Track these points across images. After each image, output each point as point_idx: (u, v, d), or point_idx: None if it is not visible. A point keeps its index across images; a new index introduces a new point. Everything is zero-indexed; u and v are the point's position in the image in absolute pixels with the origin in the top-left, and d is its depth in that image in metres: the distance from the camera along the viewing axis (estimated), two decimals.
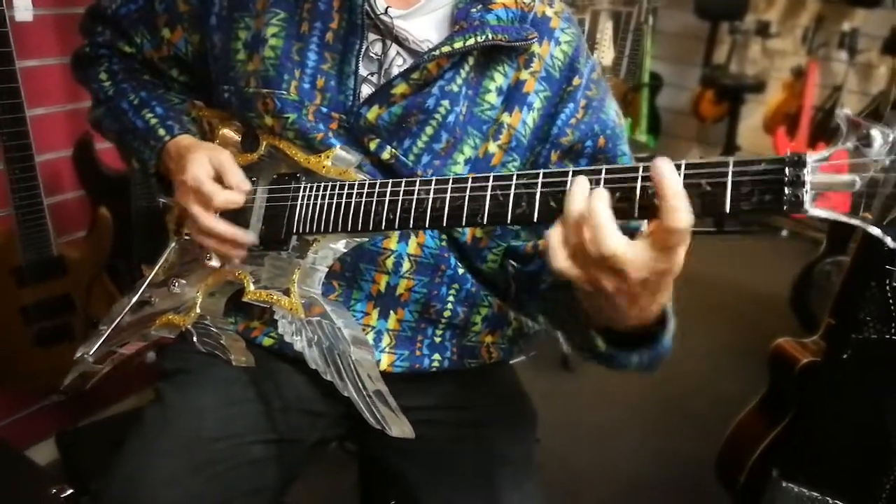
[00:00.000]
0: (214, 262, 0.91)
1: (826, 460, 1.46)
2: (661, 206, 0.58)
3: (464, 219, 0.71)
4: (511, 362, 1.10)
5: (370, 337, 0.93)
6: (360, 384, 0.78)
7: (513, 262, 0.95)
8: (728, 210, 0.59)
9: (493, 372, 1.04)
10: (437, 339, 0.96)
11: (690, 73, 4.02)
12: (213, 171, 0.86)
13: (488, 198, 0.70)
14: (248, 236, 0.86)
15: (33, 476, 1.31)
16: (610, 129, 0.92)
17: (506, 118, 0.88)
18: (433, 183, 0.74)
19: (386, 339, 0.94)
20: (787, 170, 0.57)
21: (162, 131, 0.93)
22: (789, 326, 2.59)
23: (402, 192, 0.75)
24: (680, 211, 0.57)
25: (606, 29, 3.03)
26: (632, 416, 2.28)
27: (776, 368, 1.59)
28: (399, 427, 0.78)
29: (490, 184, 0.70)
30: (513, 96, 0.88)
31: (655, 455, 2.11)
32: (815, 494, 1.46)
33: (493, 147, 0.89)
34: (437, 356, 0.96)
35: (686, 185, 0.58)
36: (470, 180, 0.71)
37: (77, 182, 1.70)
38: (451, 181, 0.73)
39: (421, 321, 0.94)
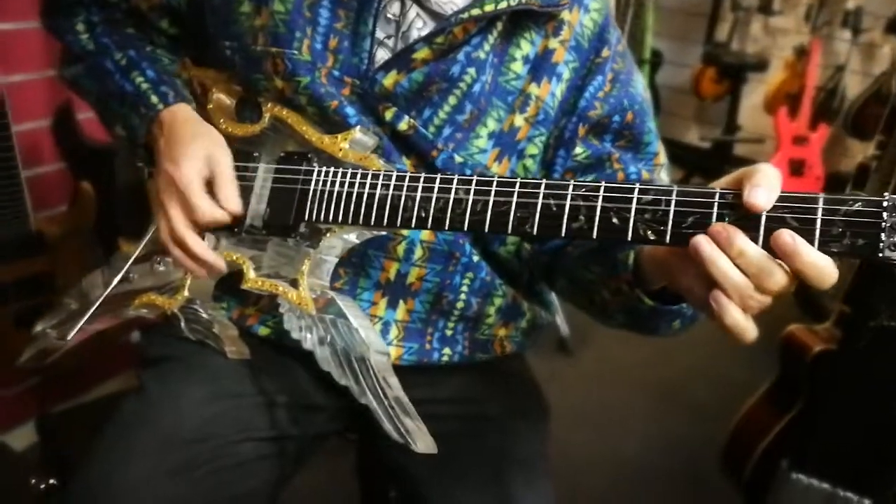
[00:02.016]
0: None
1: (837, 451, 1.42)
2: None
3: (509, 226, 0.65)
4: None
5: (377, 328, 0.86)
6: (380, 392, 0.72)
7: (527, 245, 0.89)
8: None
9: (504, 364, 0.97)
10: (448, 332, 0.89)
11: (691, 50, 3.93)
12: (207, 174, 0.78)
13: (539, 206, 0.63)
14: (221, 263, 0.78)
15: (12, 465, 1.23)
16: (638, 105, 0.86)
17: (533, 89, 0.81)
18: (474, 182, 0.67)
19: (394, 331, 0.87)
20: (884, 214, 0.52)
21: (154, 98, 0.84)
22: (790, 311, 2.55)
23: (436, 189, 0.68)
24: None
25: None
26: (632, 402, 2.24)
27: (787, 356, 1.54)
28: (424, 441, 0.72)
29: (542, 191, 0.64)
30: (540, 66, 0.81)
31: (656, 441, 2.07)
32: (826, 486, 1.42)
33: (519, 120, 0.82)
34: (447, 350, 0.90)
35: (769, 217, 0.54)
36: (518, 184, 0.65)
37: (57, 153, 1.60)
38: (495, 182, 0.66)
39: (432, 312, 0.88)
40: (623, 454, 2.00)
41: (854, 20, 3.43)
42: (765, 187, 0.54)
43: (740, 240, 0.55)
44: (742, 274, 0.55)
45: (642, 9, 3.44)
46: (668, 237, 0.59)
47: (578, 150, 0.85)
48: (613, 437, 2.07)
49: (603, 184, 0.62)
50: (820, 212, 0.53)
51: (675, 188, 0.59)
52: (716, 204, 0.57)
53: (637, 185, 0.60)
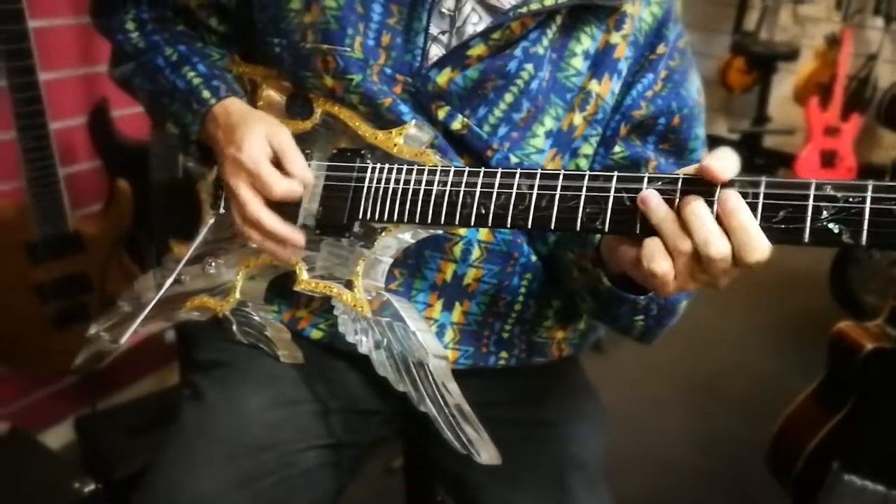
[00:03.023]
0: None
1: (892, 452, 1.38)
2: None
3: (578, 223, 0.62)
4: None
5: (433, 331, 0.83)
6: (440, 399, 0.69)
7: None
8: None
9: (561, 367, 0.94)
10: (506, 335, 0.87)
11: (718, 40, 3.88)
12: (271, 153, 0.76)
13: (611, 200, 0.60)
14: (300, 237, 0.76)
15: (53, 468, 1.23)
16: (688, 109, 0.82)
17: (594, 86, 0.78)
18: (538, 176, 0.63)
19: (449, 334, 0.84)
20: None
21: (207, 93, 0.81)
22: (826, 305, 2.51)
23: (496, 185, 0.65)
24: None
25: None
26: (667, 399, 2.21)
27: (836, 354, 1.50)
28: (487, 452, 0.69)
29: (613, 185, 0.60)
30: (602, 62, 0.78)
31: (694, 438, 2.04)
32: (880, 488, 1.39)
33: (577, 118, 0.79)
34: (504, 353, 0.87)
35: (873, 210, 0.52)
36: (587, 178, 0.62)
37: (92, 152, 1.59)
38: (561, 176, 0.63)
39: (488, 314, 0.85)
40: (661, 452, 1.97)
41: (886, 7, 3.36)
42: (719, 158, 0.56)
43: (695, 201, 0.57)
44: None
45: None
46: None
47: (617, 149, 0.82)
48: (651, 435, 2.04)
49: (681, 175, 0.59)
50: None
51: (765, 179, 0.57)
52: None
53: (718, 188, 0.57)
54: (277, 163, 0.76)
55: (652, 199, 0.58)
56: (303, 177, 0.75)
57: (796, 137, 3.65)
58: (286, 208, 0.76)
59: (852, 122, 3.36)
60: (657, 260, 0.58)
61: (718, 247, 0.56)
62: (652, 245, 0.58)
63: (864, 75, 3.48)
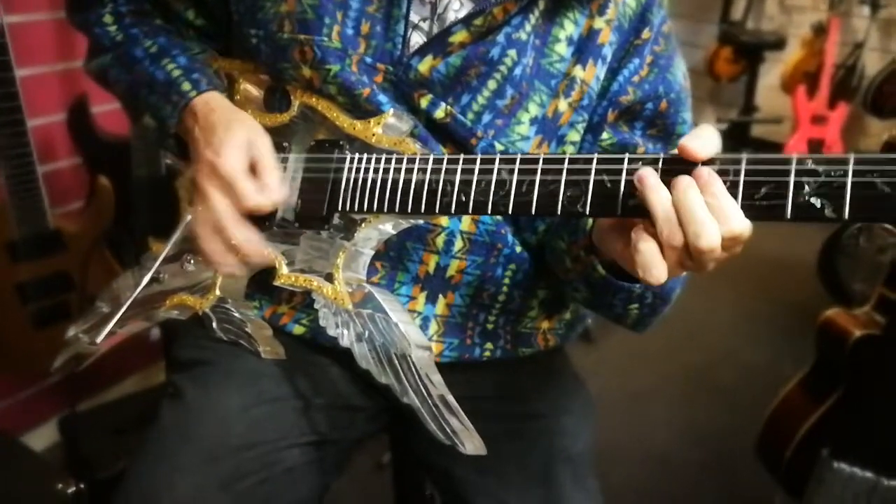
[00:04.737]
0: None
1: (881, 439, 1.38)
2: None
3: (559, 207, 0.60)
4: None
5: (417, 324, 0.82)
6: (423, 390, 0.68)
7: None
8: None
9: (548, 359, 0.93)
10: (490, 326, 0.86)
11: (705, 29, 3.87)
12: (247, 162, 0.73)
13: (591, 183, 0.59)
14: (266, 254, 0.74)
15: (35, 470, 1.21)
16: (675, 93, 0.81)
17: (578, 72, 0.77)
18: (517, 161, 0.62)
19: (433, 326, 0.83)
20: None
21: (187, 85, 0.79)
22: (814, 293, 2.51)
23: (476, 171, 0.64)
24: None
25: None
26: (656, 388, 2.21)
27: (825, 342, 1.50)
28: (472, 442, 0.68)
29: (594, 166, 0.59)
30: (586, 47, 0.77)
31: (683, 427, 2.05)
32: (869, 475, 1.39)
33: (563, 105, 0.77)
34: (489, 345, 0.86)
35: (855, 184, 0.51)
36: (567, 160, 0.60)
37: (72, 148, 1.57)
38: (541, 160, 0.61)
39: (473, 306, 0.84)
40: (651, 442, 1.97)
41: None
42: (698, 137, 0.56)
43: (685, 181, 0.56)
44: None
45: None
46: None
47: (604, 135, 0.81)
48: (640, 425, 2.04)
49: (661, 155, 0.58)
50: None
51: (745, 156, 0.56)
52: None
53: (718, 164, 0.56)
54: (254, 169, 0.74)
55: (649, 177, 0.57)
56: (275, 195, 0.72)
57: (784, 126, 3.65)
58: None
59: (839, 110, 3.37)
60: (655, 268, 0.57)
61: (708, 236, 0.54)
62: (648, 252, 0.57)
63: (851, 64, 3.48)
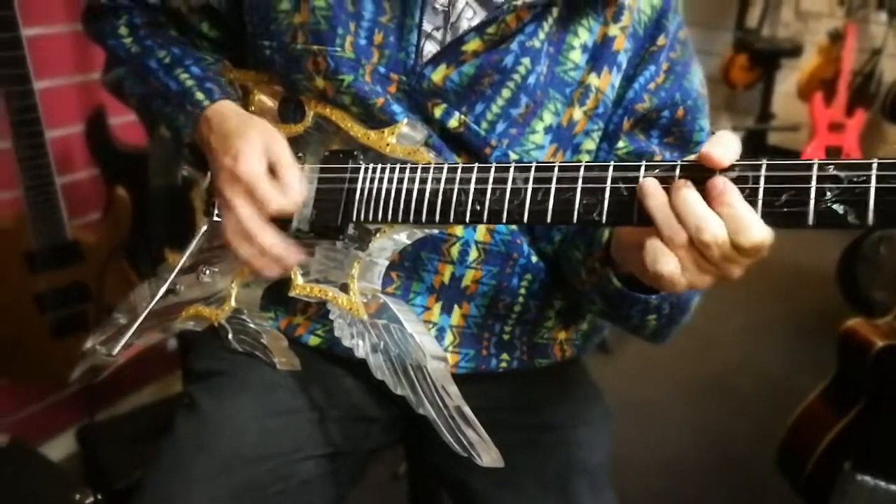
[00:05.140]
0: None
1: None
2: None
3: (574, 215, 0.60)
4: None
5: (432, 334, 0.81)
6: (439, 402, 0.68)
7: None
8: None
9: (564, 370, 0.92)
10: (506, 337, 0.85)
11: (721, 37, 3.85)
12: (266, 165, 0.73)
13: (608, 191, 0.58)
14: (295, 256, 0.73)
15: (53, 480, 1.21)
16: (692, 100, 0.80)
17: (593, 80, 0.76)
18: (533, 169, 0.62)
19: (449, 337, 0.83)
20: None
21: (200, 95, 0.80)
22: (834, 302, 2.48)
23: (491, 180, 0.63)
24: None
25: None
26: (673, 397, 2.18)
27: (846, 352, 1.48)
28: (489, 454, 0.67)
29: (610, 174, 0.58)
30: (601, 54, 0.76)
31: (699, 435, 2.02)
32: (893, 488, 1.36)
33: (577, 113, 0.77)
34: (505, 356, 0.85)
35: (879, 190, 0.50)
36: (583, 168, 0.60)
37: (90, 160, 1.58)
38: (557, 168, 0.61)
39: (488, 317, 0.83)
40: (669, 452, 1.95)
41: (890, 2, 3.33)
42: (719, 144, 0.55)
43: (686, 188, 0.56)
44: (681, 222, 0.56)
45: None
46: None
47: (620, 144, 0.80)
48: (657, 434, 2.02)
49: (679, 162, 0.57)
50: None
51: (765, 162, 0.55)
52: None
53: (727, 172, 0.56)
54: (272, 170, 0.73)
55: (648, 185, 0.57)
56: (293, 188, 0.73)
57: (801, 134, 3.61)
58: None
59: (857, 117, 3.33)
60: (661, 260, 0.56)
61: (711, 230, 0.54)
62: (653, 247, 0.57)
63: (869, 70, 3.45)
